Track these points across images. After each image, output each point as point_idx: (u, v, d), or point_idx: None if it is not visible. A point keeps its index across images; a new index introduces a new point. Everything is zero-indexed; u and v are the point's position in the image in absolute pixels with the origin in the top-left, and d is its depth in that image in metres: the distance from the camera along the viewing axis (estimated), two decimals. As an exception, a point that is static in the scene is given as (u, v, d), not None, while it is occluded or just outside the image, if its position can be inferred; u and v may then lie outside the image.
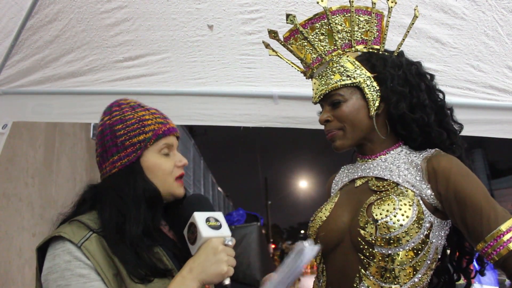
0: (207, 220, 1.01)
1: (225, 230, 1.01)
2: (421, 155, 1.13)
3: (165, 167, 1.10)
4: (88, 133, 4.18)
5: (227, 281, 0.97)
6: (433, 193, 1.07)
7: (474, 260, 1.22)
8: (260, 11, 1.66)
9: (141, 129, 1.09)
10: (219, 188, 13.09)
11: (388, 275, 1.05)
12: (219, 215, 1.04)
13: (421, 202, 1.07)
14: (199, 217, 1.00)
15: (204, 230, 0.98)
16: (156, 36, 1.77)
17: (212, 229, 1.00)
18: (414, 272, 1.05)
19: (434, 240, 1.07)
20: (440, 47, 1.70)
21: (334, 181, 1.35)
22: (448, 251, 1.23)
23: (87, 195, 1.09)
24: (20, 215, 2.82)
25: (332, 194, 1.32)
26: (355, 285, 1.07)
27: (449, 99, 1.26)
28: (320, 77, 1.21)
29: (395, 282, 1.04)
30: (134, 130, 1.09)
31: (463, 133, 1.26)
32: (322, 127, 1.26)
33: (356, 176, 1.22)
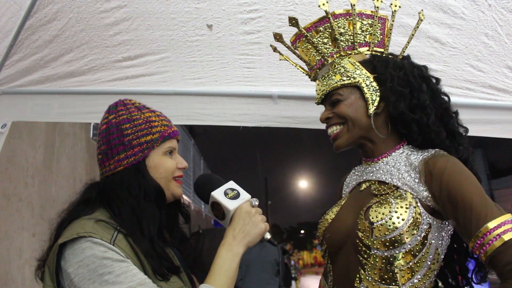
0: (225, 193, 1.07)
1: (245, 195, 1.08)
2: (421, 156, 1.13)
3: (168, 166, 1.13)
4: (88, 133, 4.18)
5: (268, 235, 1.07)
6: (429, 195, 1.07)
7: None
8: (259, 10, 1.66)
9: (149, 130, 1.11)
10: (219, 188, 13.05)
11: (386, 276, 1.05)
12: (232, 184, 1.10)
13: (419, 204, 1.08)
14: (218, 195, 1.07)
15: (229, 204, 1.05)
16: (155, 36, 1.77)
17: (234, 200, 1.06)
18: (413, 273, 1.05)
19: (433, 241, 1.06)
20: (439, 47, 1.70)
21: (345, 183, 1.37)
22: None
23: (91, 194, 1.08)
24: (20, 215, 2.81)
25: (343, 195, 1.34)
26: (356, 285, 1.09)
27: (448, 99, 1.25)
28: (323, 78, 1.24)
29: (394, 283, 1.04)
30: (141, 130, 1.11)
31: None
32: (322, 126, 1.26)
33: (362, 180, 1.24)
